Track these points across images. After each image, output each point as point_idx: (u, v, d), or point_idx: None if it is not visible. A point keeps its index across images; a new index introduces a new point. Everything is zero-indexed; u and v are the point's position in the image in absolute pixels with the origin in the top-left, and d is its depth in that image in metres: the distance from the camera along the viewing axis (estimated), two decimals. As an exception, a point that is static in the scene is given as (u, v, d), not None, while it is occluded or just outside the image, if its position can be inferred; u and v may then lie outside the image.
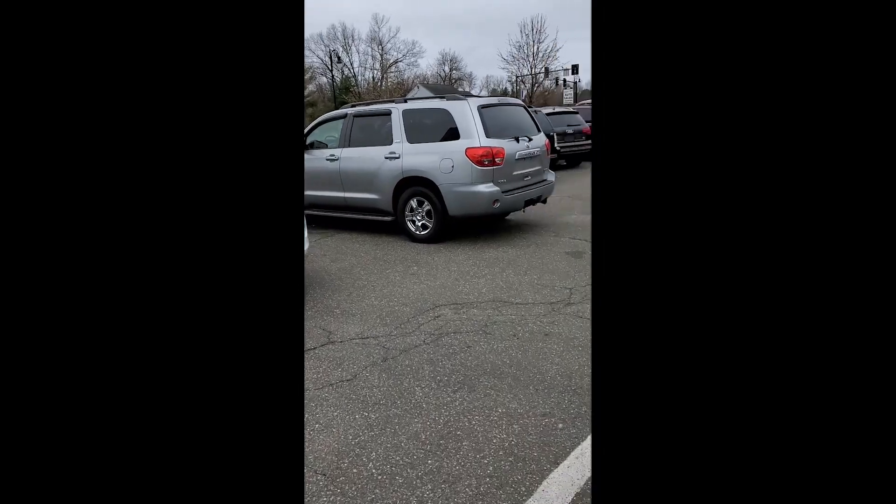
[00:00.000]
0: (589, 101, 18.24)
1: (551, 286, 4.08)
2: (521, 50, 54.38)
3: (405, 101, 5.92)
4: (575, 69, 34.83)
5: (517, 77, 47.35)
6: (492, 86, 54.96)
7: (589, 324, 3.24)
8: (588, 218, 6.57)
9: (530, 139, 5.83)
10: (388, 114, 5.86)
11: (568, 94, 34.79)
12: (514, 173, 5.57)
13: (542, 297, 3.86)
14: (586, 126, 12.21)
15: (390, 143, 5.75)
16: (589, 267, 4.45)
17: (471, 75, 56.87)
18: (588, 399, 2.46)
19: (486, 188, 5.26)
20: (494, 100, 5.82)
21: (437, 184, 5.36)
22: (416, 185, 5.56)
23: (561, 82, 38.55)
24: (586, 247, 5.21)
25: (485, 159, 5.23)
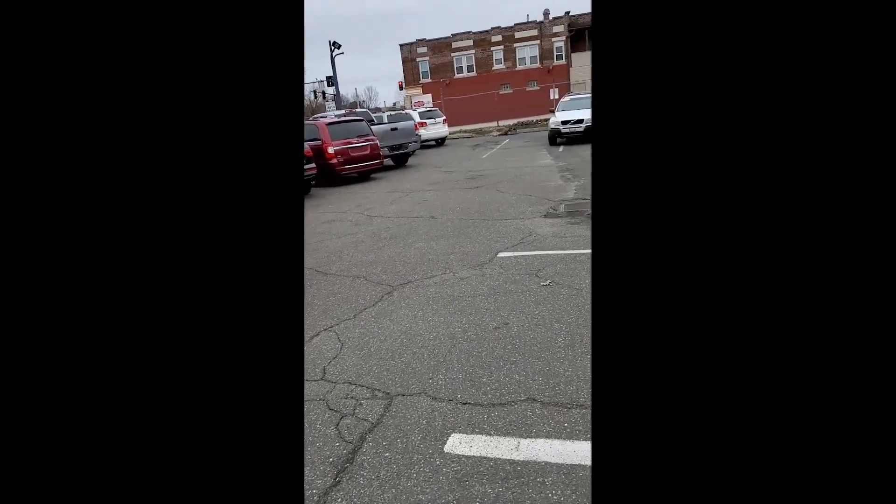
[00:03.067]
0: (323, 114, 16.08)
1: None
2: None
3: None
4: (329, 81, 33.12)
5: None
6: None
7: None
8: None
9: None
10: None
11: (330, 106, 32.95)
12: None
13: None
14: (305, 148, 9.84)
15: None
16: None
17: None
18: None
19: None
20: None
21: None
22: None
23: (320, 95, 36.54)
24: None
25: None
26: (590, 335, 3.13)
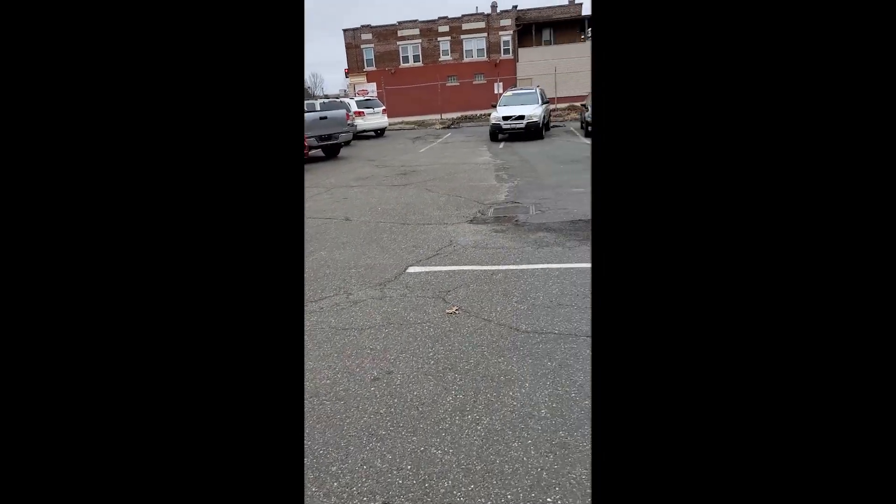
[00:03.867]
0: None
1: None
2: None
3: None
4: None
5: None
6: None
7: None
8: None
9: None
10: None
11: None
12: None
13: None
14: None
15: None
16: None
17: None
18: None
19: None
20: None
21: None
22: None
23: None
24: None
25: None
26: (486, 389, 2.58)
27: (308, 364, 2.70)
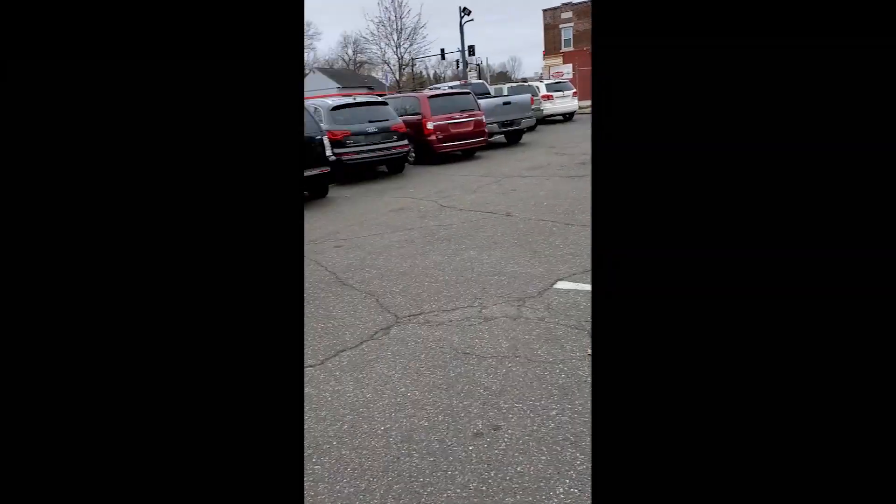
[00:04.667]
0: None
1: None
2: (382, 27, 45.11)
3: None
4: (472, 50, 32.26)
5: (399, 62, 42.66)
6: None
7: None
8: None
9: None
10: None
11: (472, 75, 32.32)
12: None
13: None
14: (397, 123, 9.09)
15: None
16: None
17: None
18: None
19: None
20: None
21: None
22: None
23: (461, 64, 36.06)
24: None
25: None
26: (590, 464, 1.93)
27: (415, 394, 2.38)
